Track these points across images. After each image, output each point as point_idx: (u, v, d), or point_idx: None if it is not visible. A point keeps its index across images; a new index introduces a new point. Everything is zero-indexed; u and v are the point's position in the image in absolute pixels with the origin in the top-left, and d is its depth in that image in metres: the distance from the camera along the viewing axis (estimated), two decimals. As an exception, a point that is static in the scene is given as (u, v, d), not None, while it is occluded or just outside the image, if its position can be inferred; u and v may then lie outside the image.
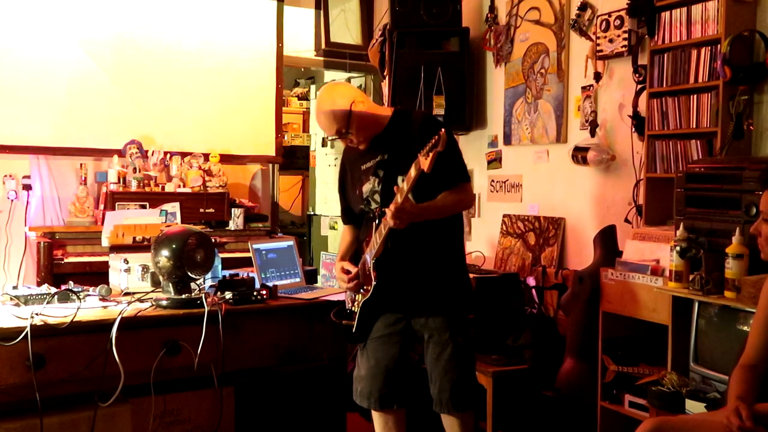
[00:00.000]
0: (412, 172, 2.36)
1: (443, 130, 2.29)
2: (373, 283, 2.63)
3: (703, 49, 3.19)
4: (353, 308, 2.79)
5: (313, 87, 6.85)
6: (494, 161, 4.64)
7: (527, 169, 4.39)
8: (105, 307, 2.78)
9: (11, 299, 2.76)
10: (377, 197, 2.67)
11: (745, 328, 2.59)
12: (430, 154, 2.26)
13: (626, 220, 3.64)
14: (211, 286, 3.05)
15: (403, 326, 2.73)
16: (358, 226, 2.85)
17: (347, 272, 2.74)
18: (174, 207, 4.44)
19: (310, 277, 3.68)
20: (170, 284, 2.84)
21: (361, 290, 2.73)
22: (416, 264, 2.65)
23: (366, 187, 2.71)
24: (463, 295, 2.76)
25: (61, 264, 4.07)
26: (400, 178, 2.54)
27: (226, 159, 4.96)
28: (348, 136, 2.66)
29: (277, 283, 3.22)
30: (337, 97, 2.64)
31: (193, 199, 4.61)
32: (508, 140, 4.52)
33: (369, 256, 2.66)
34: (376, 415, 2.85)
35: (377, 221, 2.61)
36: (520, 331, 3.69)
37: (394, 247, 2.58)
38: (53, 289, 2.89)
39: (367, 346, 2.80)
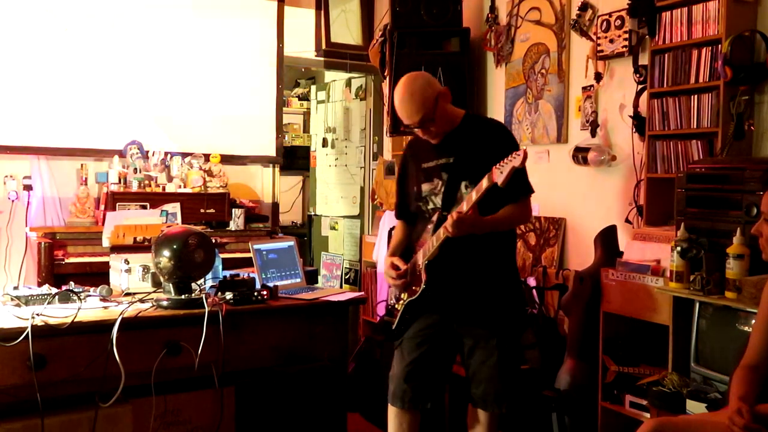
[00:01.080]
0: (484, 183, 2.35)
1: (524, 148, 2.30)
2: (422, 285, 2.63)
3: (704, 49, 3.19)
4: (396, 306, 2.78)
5: (313, 87, 6.85)
6: (495, 161, 4.64)
7: (528, 170, 4.37)
8: (106, 308, 2.78)
9: (12, 300, 2.76)
10: (437, 199, 2.66)
11: (746, 328, 2.59)
12: (507, 169, 2.26)
13: (627, 221, 3.64)
14: (211, 287, 3.05)
15: (443, 328, 2.71)
16: (411, 223, 2.84)
17: (396, 268, 2.73)
18: (174, 207, 4.44)
19: (311, 278, 3.69)
20: (171, 285, 2.84)
21: (408, 289, 2.72)
22: (467, 271, 2.64)
23: (426, 187, 2.71)
24: (513, 305, 2.74)
25: (62, 264, 4.07)
26: (463, 184, 2.54)
27: (227, 159, 4.96)
28: (429, 126, 2.62)
29: (278, 283, 3.22)
30: (426, 84, 2.62)
31: (194, 200, 4.61)
32: (508, 140, 4.52)
33: (421, 257, 2.65)
34: (394, 413, 2.79)
35: (435, 224, 2.60)
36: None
37: (448, 251, 2.58)
38: (54, 290, 2.89)
39: (402, 345, 2.77)
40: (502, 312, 2.68)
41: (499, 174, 2.30)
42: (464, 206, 2.43)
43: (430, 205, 2.69)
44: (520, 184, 2.60)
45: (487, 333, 2.66)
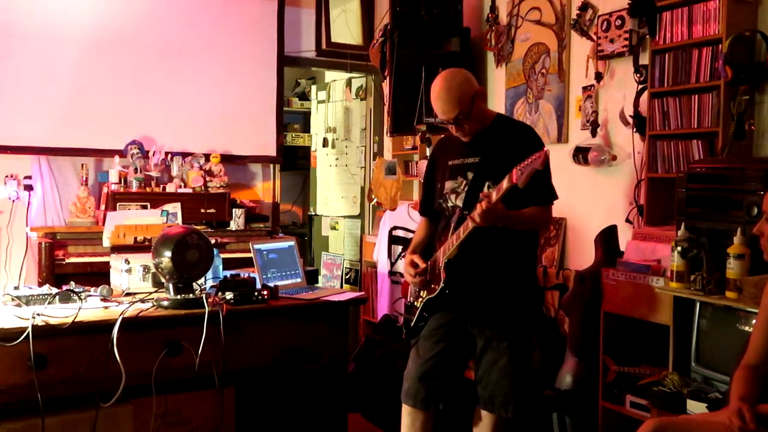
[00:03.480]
0: (504, 183, 2.36)
1: (546, 149, 2.30)
2: (441, 284, 2.63)
3: (705, 49, 3.19)
4: (415, 303, 2.78)
5: (314, 87, 6.85)
6: (495, 161, 4.63)
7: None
8: (106, 308, 2.78)
9: (12, 300, 2.76)
10: (457, 198, 2.66)
11: (747, 328, 2.60)
12: (528, 171, 2.27)
13: (627, 220, 3.64)
14: (212, 287, 3.05)
15: (458, 327, 2.71)
16: (434, 220, 2.82)
17: (415, 266, 2.73)
18: (175, 207, 4.44)
19: (311, 278, 3.69)
20: (171, 285, 2.84)
21: (428, 287, 2.72)
22: (486, 273, 2.63)
23: (449, 184, 2.70)
24: (528, 310, 2.73)
25: (63, 264, 4.07)
26: (487, 184, 2.52)
27: (227, 159, 4.96)
28: (463, 123, 2.62)
29: (278, 283, 3.22)
30: (465, 81, 2.62)
31: (194, 200, 4.61)
32: (509, 140, 4.52)
33: (441, 256, 2.65)
34: (406, 411, 2.78)
35: (456, 223, 2.59)
36: (521, 331, 3.69)
37: (468, 251, 2.58)
38: (54, 290, 2.89)
39: (418, 344, 2.77)
40: (516, 314, 2.67)
41: (519, 175, 2.29)
42: (493, 196, 2.42)
43: (450, 203, 2.68)
44: (544, 189, 2.60)
45: (498, 334, 2.65)
